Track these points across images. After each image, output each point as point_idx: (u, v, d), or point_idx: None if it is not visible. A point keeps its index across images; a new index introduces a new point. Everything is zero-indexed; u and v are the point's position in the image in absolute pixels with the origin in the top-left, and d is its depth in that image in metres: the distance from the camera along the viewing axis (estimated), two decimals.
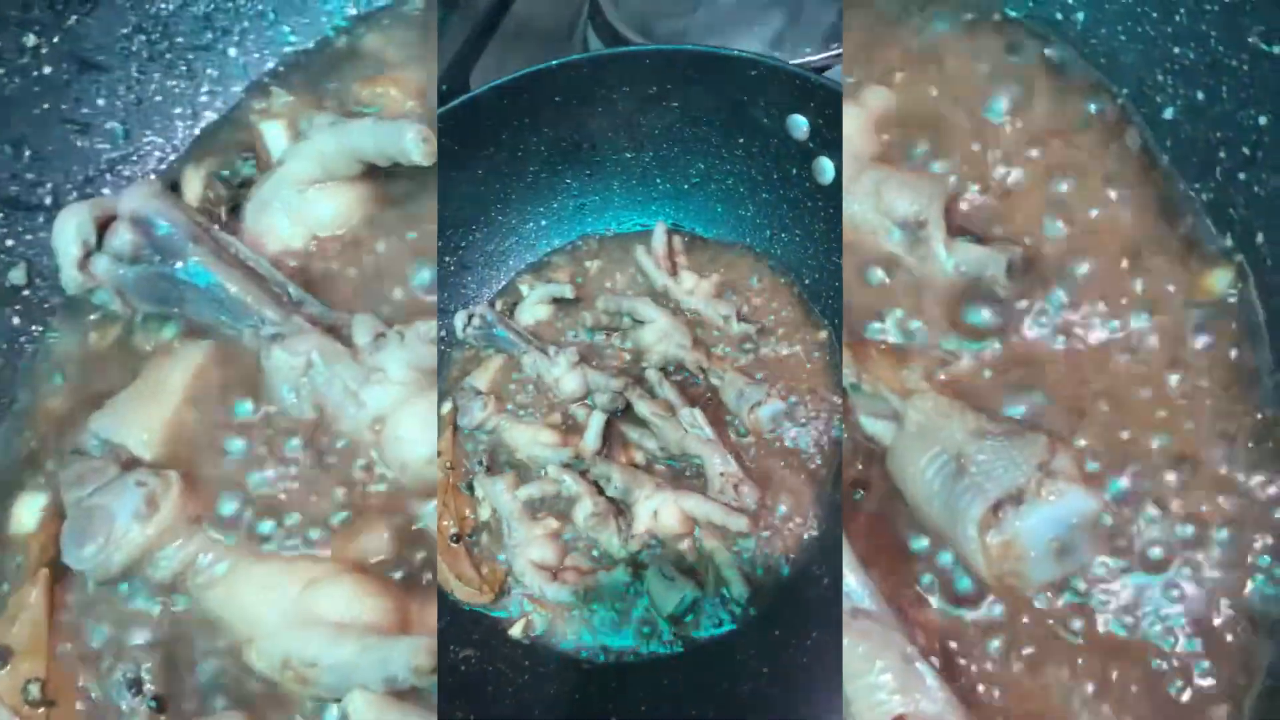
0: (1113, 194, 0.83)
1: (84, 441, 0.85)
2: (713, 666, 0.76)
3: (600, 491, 0.82)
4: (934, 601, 0.74)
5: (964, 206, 0.84)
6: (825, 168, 0.84)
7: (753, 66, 0.84)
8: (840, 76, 0.90)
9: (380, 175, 0.90)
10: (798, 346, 0.87)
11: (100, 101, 0.95)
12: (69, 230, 0.86)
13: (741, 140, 0.89)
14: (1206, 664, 0.70)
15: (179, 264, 0.86)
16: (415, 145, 0.84)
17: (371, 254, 0.90)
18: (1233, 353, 0.77)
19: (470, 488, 0.87)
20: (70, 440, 0.86)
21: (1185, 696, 0.70)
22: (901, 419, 0.76)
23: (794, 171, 0.87)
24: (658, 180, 0.94)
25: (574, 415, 0.87)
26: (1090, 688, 0.71)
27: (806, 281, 0.89)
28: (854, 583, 0.71)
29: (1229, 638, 0.71)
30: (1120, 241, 0.81)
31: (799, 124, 0.84)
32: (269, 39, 1.00)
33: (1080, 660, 0.71)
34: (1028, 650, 0.72)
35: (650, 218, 0.95)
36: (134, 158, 0.96)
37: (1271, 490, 0.74)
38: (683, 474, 0.83)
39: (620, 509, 0.81)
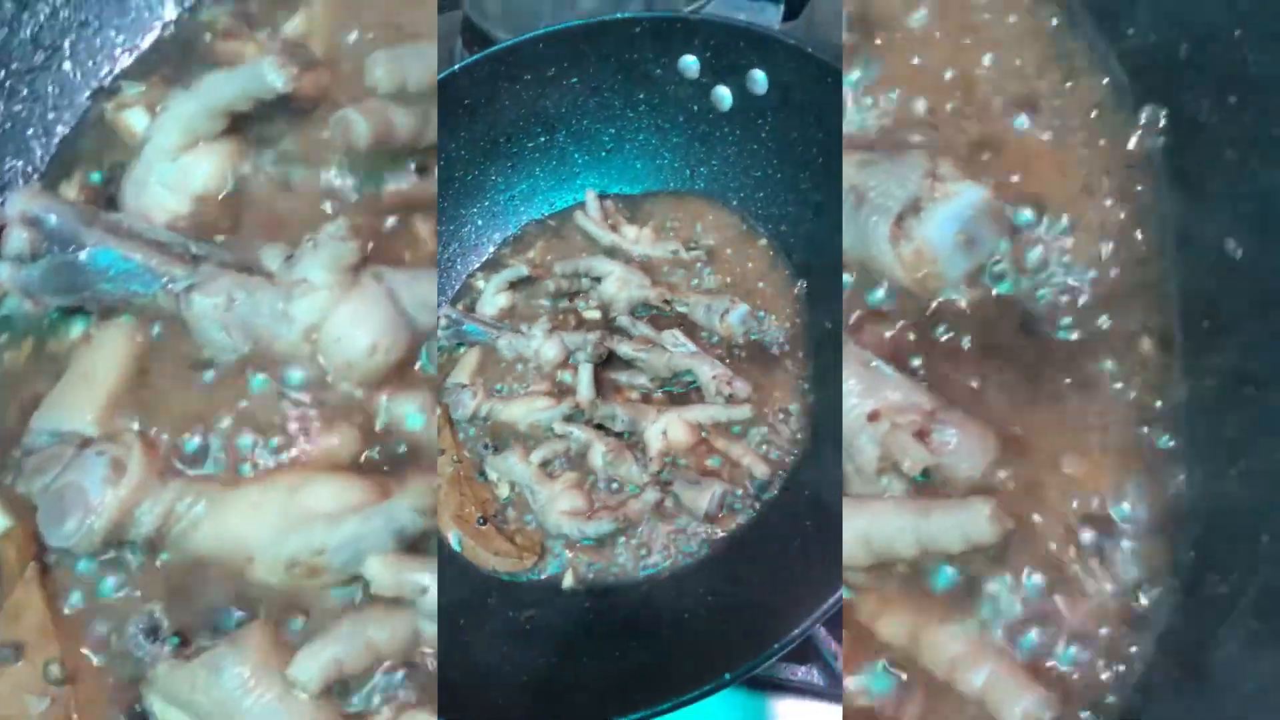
0: None
1: (31, 442, 0.85)
2: (765, 542, 0.80)
3: (609, 432, 0.86)
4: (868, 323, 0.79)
5: None
6: (722, 96, 0.92)
7: (635, 24, 0.90)
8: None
9: (249, 122, 0.92)
10: (743, 257, 0.93)
11: None
12: None
13: (642, 96, 0.95)
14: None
15: (78, 250, 0.86)
16: (274, 73, 0.86)
17: (261, 197, 0.92)
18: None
19: (483, 474, 0.89)
20: (15, 449, 0.86)
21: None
22: None
23: (695, 109, 0.93)
24: (575, 155, 0.99)
25: (562, 380, 0.90)
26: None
27: (734, 202, 0.95)
28: None
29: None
30: None
31: (690, 64, 0.91)
32: (99, 46, 1.02)
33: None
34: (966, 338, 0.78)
35: (578, 192, 0.99)
36: None
37: None
38: (678, 396, 0.87)
39: (631, 442, 0.85)
